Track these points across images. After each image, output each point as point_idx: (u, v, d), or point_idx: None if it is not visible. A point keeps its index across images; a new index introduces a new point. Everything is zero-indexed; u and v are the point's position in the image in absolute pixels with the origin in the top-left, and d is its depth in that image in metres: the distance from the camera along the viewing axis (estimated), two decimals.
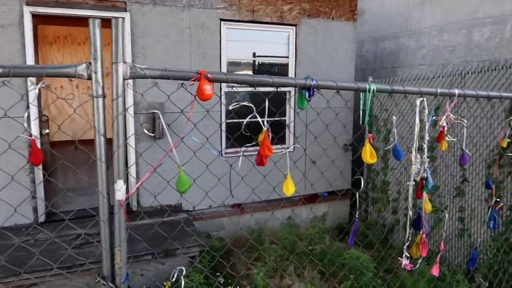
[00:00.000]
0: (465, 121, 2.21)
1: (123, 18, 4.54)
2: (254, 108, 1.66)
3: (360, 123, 1.86)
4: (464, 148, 2.19)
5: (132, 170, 5.01)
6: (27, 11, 4.17)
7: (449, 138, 2.18)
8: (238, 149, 5.57)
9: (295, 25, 5.64)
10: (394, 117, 1.98)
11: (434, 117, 2.09)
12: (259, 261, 4.56)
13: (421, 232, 2.11)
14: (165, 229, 4.38)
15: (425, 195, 2.09)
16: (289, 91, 5.73)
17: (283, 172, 1.82)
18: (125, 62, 1.43)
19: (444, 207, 4.80)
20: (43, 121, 4.58)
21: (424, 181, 2.05)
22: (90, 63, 1.41)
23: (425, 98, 1.99)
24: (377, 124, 5.91)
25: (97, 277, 1.46)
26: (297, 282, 4.30)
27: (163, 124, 4.94)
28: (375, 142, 5.98)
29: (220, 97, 5.28)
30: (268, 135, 1.67)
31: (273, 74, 5.91)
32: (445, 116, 2.09)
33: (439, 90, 2.01)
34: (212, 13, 5.07)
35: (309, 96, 1.74)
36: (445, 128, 2.11)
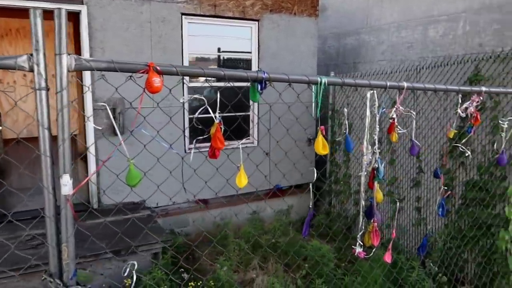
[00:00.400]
0: (414, 113, 2.30)
1: (80, 11, 4.42)
2: (206, 101, 1.66)
3: (313, 115, 1.90)
4: (413, 139, 2.28)
5: (93, 167, 4.89)
6: None
7: (400, 130, 2.26)
8: (202, 145, 5.54)
9: (257, 20, 5.65)
10: (346, 109, 2.03)
11: (384, 109, 2.16)
12: (224, 256, 4.58)
13: (372, 221, 2.18)
14: (127, 227, 4.29)
15: (376, 184, 2.16)
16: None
17: (237, 166, 1.84)
18: (69, 54, 1.39)
19: (403, 197, 4.98)
20: None
21: (375, 171, 2.12)
22: (31, 55, 1.36)
23: (375, 91, 2.06)
24: (339, 118, 6.03)
25: (43, 274, 1.42)
26: (261, 275, 4.35)
27: (111, 119, 4.80)
28: (339, 136, 6.11)
29: (183, 92, 5.24)
30: (220, 128, 1.67)
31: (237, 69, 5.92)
32: (394, 109, 2.16)
33: (388, 83, 2.08)
34: (173, 7, 5.00)
35: (261, 89, 1.76)
36: (395, 120, 2.19)
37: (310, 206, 2.14)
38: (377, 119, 2.09)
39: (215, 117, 1.67)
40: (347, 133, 2.04)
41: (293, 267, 4.28)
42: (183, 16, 5.11)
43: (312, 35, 6.16)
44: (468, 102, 2.48)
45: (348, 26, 7.52)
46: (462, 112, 2.47)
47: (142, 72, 1.50)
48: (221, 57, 5.84)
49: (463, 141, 2.84)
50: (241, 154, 1.80)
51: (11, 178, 5.21)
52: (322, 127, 1.95)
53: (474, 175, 4.04)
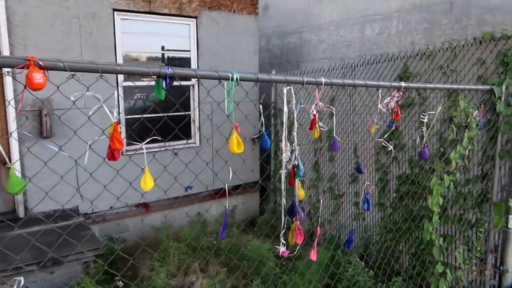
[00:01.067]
0: (334, 109, 2.29)
1: None
2: (101, 99, 1.53)
3: (226, 112, 1.82)
4: (334, 135, 2.27)
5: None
6: None
7: (322, 127, 2.24)
8: (138, 146, 5.32)
9: (195, 18, 5.52)
10: (261, 106, 1.97)
11: (302, 105, 2.12)
12: (162, 262, 4.42)
13: (295, 219, 2.14)
14: (56, 236, 4.04)
15: (297, 182, 2.12)
16: (193, 85, 5.61)
17: (142, 168, 1.72)
18: None
19: (342, 193, 5.05)
20: None
21: (295, 169, 2.08)
22: None
23: (291, 87, 2.01)
24: (281, 116, 6.03)
25: None
26: (201, 278, 4.23)
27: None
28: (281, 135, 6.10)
29: (118, 90, 5.00)
30: (119, 127, 1.55)
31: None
32: (314, 105, 2.13)
33: (305, 79, 2.04)
34: (104, 2, 4.76)
35: (167, 86, 1.65)
36: (316, 116, 2.16)
37: (226, 207, 2.05)
38: (295, 115, 2.05)
39: (114, 116, 1.54)
40: (263, 130, 1.98)
41: (233, 268, 4.20)
42: (115, 12, 4.87)
43: (253, 33, 6.12)
44: (389, 98, 2.51)
45: (291, 25, 7.56)
46: (384, 108, 2.50)
47: (22, 68, 1.34)
48: (160, 56, 5.65)
49: (385, 136, 2.88)
50: (145, 156, 1.69)
51: None
52: (237, 124, 1.87)
53: (406, 169, 4.16)
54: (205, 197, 6.07)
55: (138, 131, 5.24)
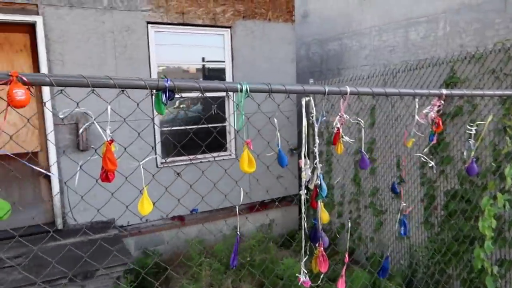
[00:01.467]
0: (362, 121, 2.04)
1: (35, 22, 4.22)
2: (92, 115, 1.41)
3: (235, 127, 1.65)
4: (362, 150, 2.01)
5: (56, 186, 4.64)
6: None
7: (348, 140, 2.00)
8: (177, 158, 5.29)
9: (229, 27, 5.44)
10: (276, 120, 1.77)
11: (325, 118, 1.90)
12: (194, 277, 4.30)
13: (318, 245, 1.90)
14: (89, 248, 4.04)
15: (320, 204, 1.89)
16: (228, 95, 5.51)
17: (141, 190, 1.57)
18: None
19: (385, 209, 4.69)
20: None
21: (318, 189, 1.86)
22: None
23: (311, 98, 1.80)
24: (320, 127, 5.77)
25: None
26: None
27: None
28: (321, 145, 5.84)
29: (152, 103, 4.99)
30: (114, 146, 1.42)
31: (211, 79, 5.69)
32: (338, 116, 1.91)
33: (327, 88, 1.82)
34: (138, 16, 4.79)
35: (167, 99, 1.51)
36: (340, 129, 1.93)
37: (237, 232, 1.86)
38: (316, 129, 1.83)
39: (107, 134, 1.41)
40: (279, 146, 1.77)
41: (267, 285, 3.99)
42: (149, 25, 4.89)
43: (289, 41, 5.93)
44: (428, 107, 2.22)
45: (331, 32, 7.30)
46: (423, 119, 2.21)
47: (4, 83, 1.25)
48: (194, 67, 5.62)
49: (425, 150, 2.57)
50: (142, 173, 1.54)
51: None
52: (249, 140, 1.69)
53: (455, 185, 3.76)
54: (242, 211, 5.91)
55: (174, 143, 5.20)
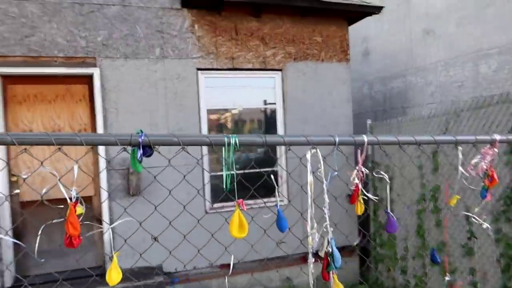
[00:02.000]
0: (386, 176, 1.71)
1: (92, 74, 4.50)
2: (58, 175, 1.31)
3: (224, 186, 1.45)
4: (388, 210, 1.67)
5: (108, 230, 4.74)
6: None
7: (371, 197, 1.68)
8: (226, 204, 5.17)
9: (280, 70, 5.35)
10: (278, 175, 1.54)
11: (336, 173, 1.62)
12: None
13: None
14: None
15: (333, 277, 1.58)
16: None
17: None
18: None
19: (454, 268, 4.04)
20: (13, 181, 4.49)
21: (329, 258, 1.55)
22: None
23: (318, 149, 1.55)
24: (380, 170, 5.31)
25: None
26: None
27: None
28: (380, 190, 5.35)
29: (201, 150, 4.99)
30: (79, 208, 1.30)
31: (261, 122, 5.60)
32: (356, 171, 1.62)
33: (337, 139, 1.56)
34: (188, 63, 4.91)
35: (143, 156, 1.36)
36: (360, 185, 1.64)
37: None
38: (325, 186, 1.56)
39: (73, 195, 1.30)
40: (278, 206, 1.53)
41: None
42: (199, 72, 4.98)
43: (344, 81, 5.67)
44: (479, 157, 1.83)
45: (393, 69, 6.90)
46: (471, 170, 1.82)
47: None
48: (242, 110, 5.57)
49: (476, 210, 2.11)
50: (112, 244, 1.39)
51: (26, 240, 5.24)
52: (241, 200, 1.47)
53: None
54: (295, 260, 5.55)
55: (222, 189, 5.11)
